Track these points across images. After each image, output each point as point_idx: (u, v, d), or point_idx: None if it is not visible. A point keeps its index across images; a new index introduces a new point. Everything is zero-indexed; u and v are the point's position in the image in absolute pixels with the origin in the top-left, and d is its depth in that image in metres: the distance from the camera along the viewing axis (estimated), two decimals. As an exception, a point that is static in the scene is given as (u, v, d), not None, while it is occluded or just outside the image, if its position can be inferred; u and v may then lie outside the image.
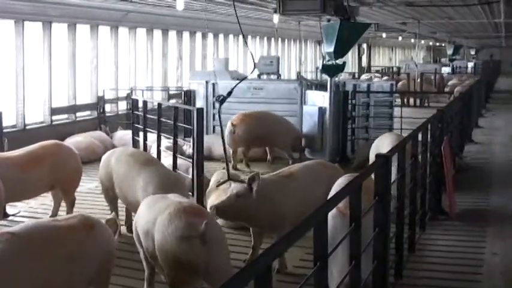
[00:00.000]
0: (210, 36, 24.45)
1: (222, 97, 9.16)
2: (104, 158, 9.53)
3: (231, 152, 14.46)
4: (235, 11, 8.87)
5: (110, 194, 9.31)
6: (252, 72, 12.21)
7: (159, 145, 12.82)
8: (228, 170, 8.57)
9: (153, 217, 6.49)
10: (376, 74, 36.36)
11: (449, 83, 33.26)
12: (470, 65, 49.84)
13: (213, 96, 15.80)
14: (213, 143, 14.84)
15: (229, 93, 9.29)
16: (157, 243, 6.30)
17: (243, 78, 9.99)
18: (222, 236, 6.47)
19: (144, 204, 6.97)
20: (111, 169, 9.18)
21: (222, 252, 6.28)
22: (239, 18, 9.28)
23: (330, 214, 5.97)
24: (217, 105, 9.74)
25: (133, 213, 8.58)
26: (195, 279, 6.24)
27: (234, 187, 7.75)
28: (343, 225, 5.71)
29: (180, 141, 12.75)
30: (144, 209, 6.84)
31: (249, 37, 28.09)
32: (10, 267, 5.24)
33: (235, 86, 9.46)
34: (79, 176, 10.22)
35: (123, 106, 19.25)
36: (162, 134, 13.07)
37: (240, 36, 27.22)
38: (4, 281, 5.17)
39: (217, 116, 15.93)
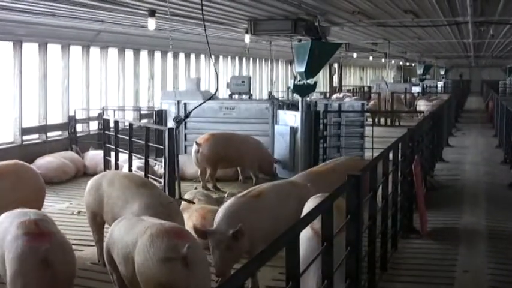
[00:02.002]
0: (182, 56, 24.46)
1: (179, 118, 9.17)
2: (92, 182, 8.92)
3: (199, 172, 14.45)
4: (205, 31, 8.87)
5: (98, 220, 8.73)
6: (213, 96, 12.04)
7: (130, 165, 12.78)
8: (179, 189, 8.26)
9: (132, 239, 6.39)
10: (347, 94, 36.60)
11: (418, 102, 33.53)
12: (440, 84, 50.37)
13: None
14: (185, 162, 14.80)
15: (187, 115, 9.33)
16: (137, 265, 6.22)
17: (204, 101, 9.96)
18: (204, 257, 6.38)
19: (119, 227, 6.81)
20: (102, 192, 8.60)
21: (204, 275, 6.22)
22: (210, 38, 9.32)
23: (305, 235, 6.00)
24: (175, 125, 9.71)
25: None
26: None
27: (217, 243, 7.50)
28: (319, 247, 5.71)
29: (151, 161, 12.71)
30: (121, 232, 6.68)
31: (221, 57, 28.17)
32: None
33: (194, 109, 9.48)
34: (42, 195, 10.07)
35: (94, 126, 19.15)
36: (134, 154, 13.05)
37: (212, 56, 27.27)
38: None
39: (188, 136, 16.06)
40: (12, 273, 6.21)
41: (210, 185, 14.32)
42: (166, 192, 10.02)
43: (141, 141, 12.62)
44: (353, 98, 32.06)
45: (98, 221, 8.74)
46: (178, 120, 9.17)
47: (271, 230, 7.39)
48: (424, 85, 44.13)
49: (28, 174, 9.95)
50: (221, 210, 8.05)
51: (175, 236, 6.22)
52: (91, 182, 8.97)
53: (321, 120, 15.58)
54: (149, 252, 6.13)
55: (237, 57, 29.79)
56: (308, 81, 15.04)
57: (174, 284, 6.02)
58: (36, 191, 9.93)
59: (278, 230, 5.11)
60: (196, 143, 14.40)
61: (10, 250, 6.28)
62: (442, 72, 59.08)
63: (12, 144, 15.79)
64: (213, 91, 23.35)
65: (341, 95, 35.43)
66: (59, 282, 6.26)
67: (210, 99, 10.62)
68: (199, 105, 9.85)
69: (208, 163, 14.35)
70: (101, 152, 15.19)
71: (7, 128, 15.82)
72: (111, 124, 14.73)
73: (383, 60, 38.05)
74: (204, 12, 13.88)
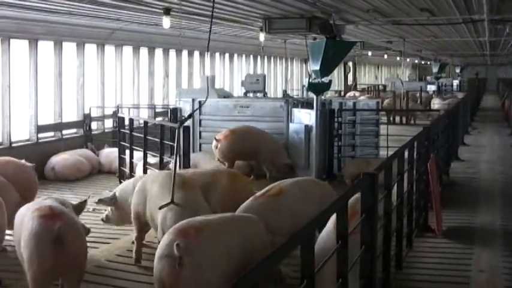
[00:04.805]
0: (196, 54, 24.47)
1: (183, 118, 9.17)
2: (140, 182, 8.86)
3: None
4: (210, 27, 8.85)
5: (142, 220, 8.61)
6: (205, 101, 11.89)
7: (145, 163, 12.80)
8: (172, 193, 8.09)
9: None
10: (356, 93, 36.38)
11: (433, 101, 33.38)
12: (456, 82, 50.14)
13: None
14: (199, 160, 14.86)
15: (190, 116, 9.33)
16: None
17: (204, 101, 9.90)
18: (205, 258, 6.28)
19: None
20: (146, 190, 8.50)
21: (202, 276, 6.15)
22: (226, 36, 9.32)
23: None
24: (178, 125, 9.71)
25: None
26: None
27: None
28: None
29: (166, 158, 12.73)
30: None
31: (235, 55, 28.16)
32: None
33: (195, 110, 9.48)
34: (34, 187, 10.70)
35: (109, 124, 19.20)
36: (149, 152, 13.06)
37: (227, 54, 27.29)
38: None
39: (203, 134, 16.09)
40: (28, 253, 6.57)
41: None
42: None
43: (155, 139, 12.63)
44: (363, 97, 31.87)
45: (141, 221, 8.63)
46: (182, 121, 9.19)
47: (293, 229, 7.34)
48: (440, 83, 43.92)
49: (19, 169, 10.47)
50: (240, 211, 8.03)
51: (181, 235, 6.21)
52: (139, 182, 8.89)
53: (336, 119, 15.56)
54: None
55: (251, 56, 29.76)
56: (323, 79, 15.00)
57: (164, 282, 6.13)
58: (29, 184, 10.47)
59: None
60: (216, 139, 14.65)
61: (26, 232, 6.64)
62: (458, 71, 58.77)
63: (28, 142, 15.85)
64: (227, 89, 23.44)
65: (352, 94, 35.31)
66: (73, 260, 6.63)
67: (204, 103, 10.46)
68: (201, 105, 9.80)
69: (226, 159, 14.64)
70: (115, 150, 15.23)
71: (23, 126, 15.88)
72: (126, 122, 14.77)
73: (398, 58, 37.90)
74: (219, 11, 13.97)
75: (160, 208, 7.69)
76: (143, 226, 8.66)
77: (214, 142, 14.71)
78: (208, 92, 9.91)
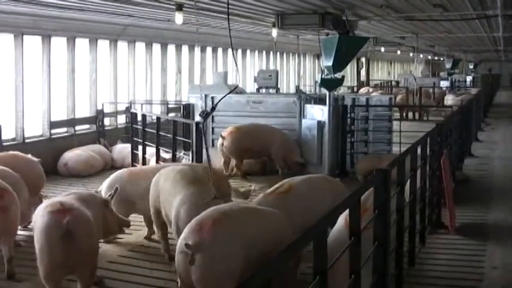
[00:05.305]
0: (209, 50, 24.48)
1: (205, 112, 9.12)
2: (154, 178, 8.74)
3: (222, 162, 14.93)
4: (228, 24, 8.81)
5: (161, 218, 8.45)
6: (236, 88, 11.86)
7: (157, 159, 12.83)
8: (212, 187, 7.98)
9: None
10: (369, 88, 36.27)
11: (446, 97, 33.21)
12: (469, 78, 49.88)
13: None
14: (212, 156, 14.88)
15: (213, 109, 9.29)
16: None
17: (226, 93, 9.80)
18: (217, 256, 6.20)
19: None
20: (160, 187, 8.45)
21: (216, 268, 6.17)
22: (237, 32, 9.30)
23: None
24: (201, 120, 9.65)
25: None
26: None
27: None
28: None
29: (179, 154, 12.75)
30: None
31: (248, 51, 28.15)
32: None
33: (218, 102, 9.41)
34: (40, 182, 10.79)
35: (122, 120, 19.25)
36: (161, 148, 13.08)
37: (239, 50, 27.29)
38: None
39: (216, 130, 16.10)
40: (39, 247, 6.70)
41: (233, 173, 14.94)
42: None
43: (168, 135, 12.65)
44: (375, 93, 31.73)
45: (160, 219, 8.49)
46: (205, 115, 9.13)
47: (305, 226, 7.32)
48: (453, 79, 43.73)
49: (26, 163, 10.57)
50: None
51: (195, 231, 6.26)
52: (154, 178, 8.80)
53: (349, 115, 15.54)
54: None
55: (264, 51, 29.75)
56: (335, 75, 14.98)
57: (181, 276, 6.33)
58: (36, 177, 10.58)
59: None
60: (221, 136, 14.83)
61: (37, 227, 6.79)
62: (471, 67, 58.50)
63: (41, 138, 15.91)
64: (240, 85, 23.42)
65: (364, 90, 35.21)
66: (83, 255, 6.73)
67: (233, 90, 10.38)
68: (224, 96, 9.69)
69: (232, 155, 14.91)
70: (128, 146, 15.27)
71: (36, 122, 15.94)
72: (139, 118, 14.80)
73: (411, 54, 37.78)
74: (232, 6, 13.95)
75: (203, 202, 7.45)
76: (162, 222, 8.51)
77: (220, 139, 14.89)
78: (236, 85, 9.84)
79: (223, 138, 14.85)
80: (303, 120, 15.70)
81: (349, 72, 40.36)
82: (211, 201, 7.43)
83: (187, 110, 17.17)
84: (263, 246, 6.31)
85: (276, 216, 6.96)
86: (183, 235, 6.34)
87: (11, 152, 11.08)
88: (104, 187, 9.70)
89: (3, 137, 13.91)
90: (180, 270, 6.31)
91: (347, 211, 5.43)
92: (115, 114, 19.01)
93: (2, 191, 8.09)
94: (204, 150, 9.68)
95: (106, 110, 18.47)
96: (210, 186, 7.78)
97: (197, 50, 23.44)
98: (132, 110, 16.50)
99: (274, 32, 18.35)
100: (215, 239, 6.19)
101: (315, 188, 8.54)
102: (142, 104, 19.49)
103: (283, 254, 4.06)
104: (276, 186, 8.60)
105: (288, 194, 8.27)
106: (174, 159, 12.49)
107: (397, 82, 43.28)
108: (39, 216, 6.86)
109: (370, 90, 34.92)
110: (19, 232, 9.41)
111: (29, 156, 11.06)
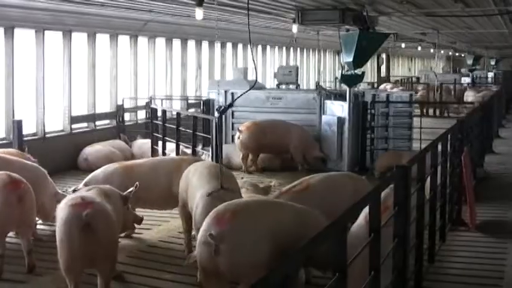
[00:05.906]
0: (229, 45, 24.48)
1: (223, 107, 9.12)
2: (185, 171, 8.73)
3: (241, 156, 15.00)
4: (248, 20, 8.80)
5: (186, 210, 8.47)
6: (255, 83, 11.82)
7: (177, 154, 12.85)
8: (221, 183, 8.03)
9: None
10: (387, 86, 35.98)
11: (466, 93, 32.94)
12: (491, 75, 49.51)
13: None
14: (232, 152, 14.95)
15: (230, 105, 9.30)
16: None
17: (246, 90, 9.75)
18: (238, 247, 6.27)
19: None
20: (188, 181, 8.46)
21: (240, 259, 6.23)
22: (257, 27, 9.27)
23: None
24: (218, 115, 9.67)
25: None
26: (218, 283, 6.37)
27: None
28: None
29: (198, 150, 12.77)
30: None
31: (268, 47, 28.12)
32: None
33: (237, 98, 9.42)
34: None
35: (142, 115, 19.30)
36: (181, 143, 13.11)
37: (259, 46, 27.26)
38: None
39: (235, 125, 16.11)
40: (59, 240, 6.78)
41: (251, 169, 15.05)
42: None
43: (188, 131, 12.67)
44: (396, 89, 31.54)
45: (186, 211, 8.50)
46: (222, 110, 9.15)
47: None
48: (474, 76, 43.43)
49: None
50: None
51: (215, 222, 6.29)
52: (185, 171, 8.79)
53: (369, 111, 15.50)
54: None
55: (284, 47, 29.71)
56: (356, 71, 14.94)
57: (205, 267, 6.34)
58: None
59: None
60: (238, 130, 14.97)
61: (58, 220, 6.89)
62: (493, 63, 58.08)
63: (62, 133, 15.98)
64: (260, 81, 23.42)
65: (388, 86, 35.00)
66: (102, 248, 6.77)
67: (252, 87, 10.36)
68: (242, 94, 9.65)
69: (248, 150, 14.97)
70: (148, 141, 15.31)
71: (57, 117, 16.01)
72: (159, 113, 14.83)
73: (432, 50, 37.55)
74: (252, 2, 13.93)
75: (208, 195, 7.57)
76: (188, 215, 8.47)
77: (237, 133, 15.00)
78: (254, 81, 9.75)
79: (240, 132, 14.98)
80: (323, 117, 15.68)
81: (369, 68, 40.22)
82: (223, 193, 7.50)
83: (207, 105, 17.19)
84: (285, 238, 6.34)
85: (297, 210, 6.95)
86: (203, 226, 6.37)
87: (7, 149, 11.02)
88: (93, 181, 9.56)
89: (24, 132, 13.97)
90: (202, 261, 6.30)
91: (367, 208, 5.41)
92: (135, 109, 19.06)
93: (18, 181, 8.16)
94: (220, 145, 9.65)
95: (126, 106, 18.51)
96: (221, 181, 7.80)
97: (217, 45, 23.45)
98: (152, 106, 16.54)
99: (295, 28, 18.31)
100: (236, 229, 6.26)
101: (334, 186, 8.50)
102: (162, 100, 19.52)
103: (302, 251, 4.05)
104: (295, 183, 8.58)
105: (304, 192, 8.23)
106: (194, 154, 12.51)
107: (418, 78, 43.04)
108: (61, 210, 6.96)
109: (388, 86, 34.63)
110: (43, 227, 9.48)
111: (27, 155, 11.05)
